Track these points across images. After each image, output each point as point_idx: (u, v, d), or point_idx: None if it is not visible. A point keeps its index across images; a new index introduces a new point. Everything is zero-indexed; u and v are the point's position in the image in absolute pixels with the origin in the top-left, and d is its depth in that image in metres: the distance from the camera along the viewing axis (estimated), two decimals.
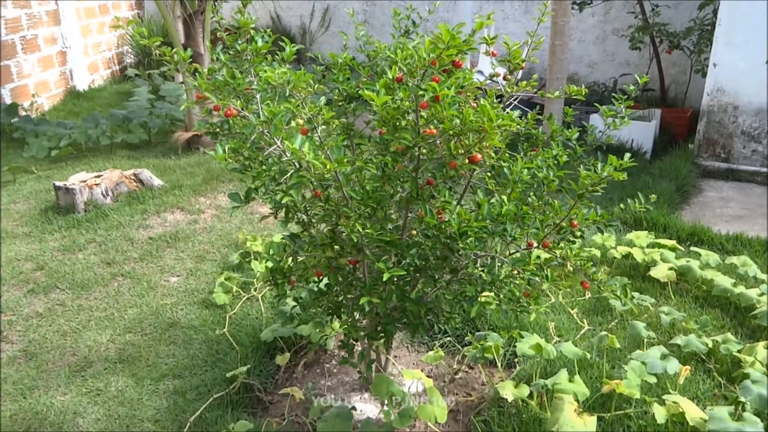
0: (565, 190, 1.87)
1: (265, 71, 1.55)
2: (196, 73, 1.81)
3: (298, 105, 1.59)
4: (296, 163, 1.59)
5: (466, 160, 1.65)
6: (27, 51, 6.12)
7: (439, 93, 1.52)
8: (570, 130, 2.07)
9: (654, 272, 3.05)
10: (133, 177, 4.34)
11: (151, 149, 5.33)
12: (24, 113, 5.90)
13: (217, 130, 1.75)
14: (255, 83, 1.78)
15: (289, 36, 7.59)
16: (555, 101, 4.47)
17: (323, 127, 1.65)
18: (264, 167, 1.73)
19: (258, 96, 1.76)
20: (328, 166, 1.50)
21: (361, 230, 1.63)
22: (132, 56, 7.92)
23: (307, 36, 7.63)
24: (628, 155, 1.68)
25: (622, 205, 1.88)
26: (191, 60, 1.96)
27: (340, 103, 2.12)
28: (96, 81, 7.27)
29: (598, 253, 3.26)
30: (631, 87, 2.00)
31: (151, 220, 3.96)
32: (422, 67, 1.54)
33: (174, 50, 1.72)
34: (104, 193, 4.12)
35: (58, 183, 4.04)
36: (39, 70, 6.31)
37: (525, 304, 1.84)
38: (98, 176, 4.18)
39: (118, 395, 2.46)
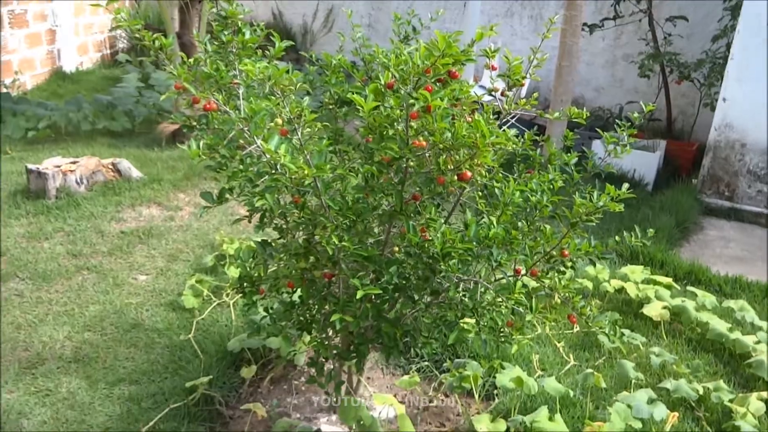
0: (559, 217, 1.85)
1: (246, 65, 1.51)
2: (183, 63, 1.76)
3: (278, 103, 1.55)
4: (273, 165, 1.55)
5: (456, 177, 1.62)
6: (14, 26, 6.05)
7: (431, 103, 1.49)
8: (569, 154, 2.06)
9: (647, 310, 3.02)
10: (111, 166, 4.27)
11: (133, 139, 5.26)
12: (4, 90, 5.83)
13: (194, 123, 1.71)
14: (239, 77, 1.74)
15: (289, 35, 7.57)
16: (557, 123, 4.46)
17: (307, 129, 1.61)
18: (241, 167, 1.68)
19: (241, 91, 1.72)
20: (306, 172, 1.46)
21: (337, 242, 1.59)
22: (125, 41, 7.88)
23: (308, 36, 7.61)
24: (626, 186, 1.65)
25: (618, 237, 1.85)
26: (181, 49, 1.91)
27: (331, 107, 2.09)
28: (84, 63, 7.20)
29: (589, 285, 3.23)
30: (636, 115, 1.97)
31: (125, 213, 3.90)
32: (416, 75, 1.51)
33: (155, 36, 1.68)
34: (78, 180, 4.04)
35: (30, 166, 3.96)
36: (25, 46, 6.24)
37: (507, 334, 1.80)
38: (74, 162, 4.11)
39: (69, 397, 2.37)
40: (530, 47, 1.94)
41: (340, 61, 2.07)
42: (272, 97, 1.61)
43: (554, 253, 1.76)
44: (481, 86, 5.45)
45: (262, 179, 1.67)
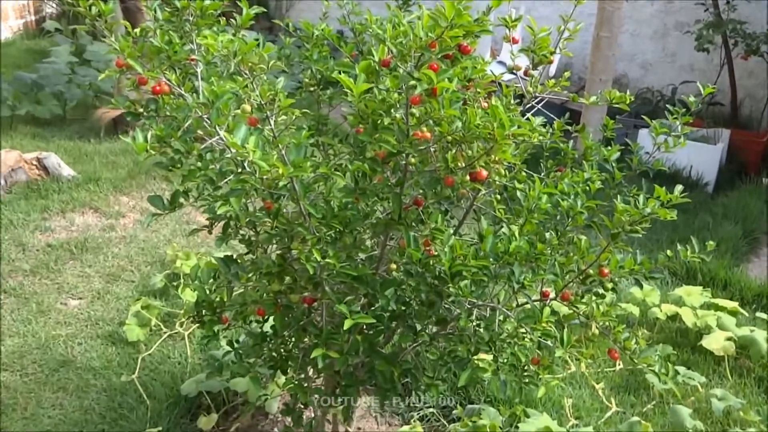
0: (596, 226, 1.85)
1: (206, 37, 1.51)
2: (126, 33, 1.77)
3: (246, 85, 1.56)
4: (240, 163, 1.55)
5: (468, 177, 1.61)
6: None
7: (437, 85, 1.48)
8: (609, 148, 2.06)
9: (707, 342, 3.02)
10: (35, 162, 4.27)
11: (64, 128, 5.27)
12: None
13: (141, 110, 1.71)
14: (197, 52, 1.75)
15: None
16: (593, 109, 4.49)
17: (281, 117, 1.62)
18: (200, 164, 1.69)
19: (200, 70, 1.73)
20: (280, 171, 1.46)
21: (319, 259, 1.58)
22: (54, 5, 7.89)
23: (284, 1, 7.65)
24: (680, 187, 1.66)
25: (670, 252, 1.85)
26: (125, 16, 1.92)
27: (312, 88, 2.09)
28: (3, 33, 7.22)
29: (635, 311, 3.24)
30: (692, 99, 1.99)
31: (54, 221, 3.90)
32: (418, 50, 1.50)
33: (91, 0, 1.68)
34: None
35: None
36: None
37: (533, 374, 1.81)
38: None
39: None
40: (560, 15, 1.95)
41: (324, 32, 2.06)
42: (238, 78, 1.60)
43: (591, 271, 1.74)
44: (500, 62, 5.47)
45: (226, 180, 1.67)
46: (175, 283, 3.26)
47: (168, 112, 1.71)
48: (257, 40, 1.65)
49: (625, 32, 6.17)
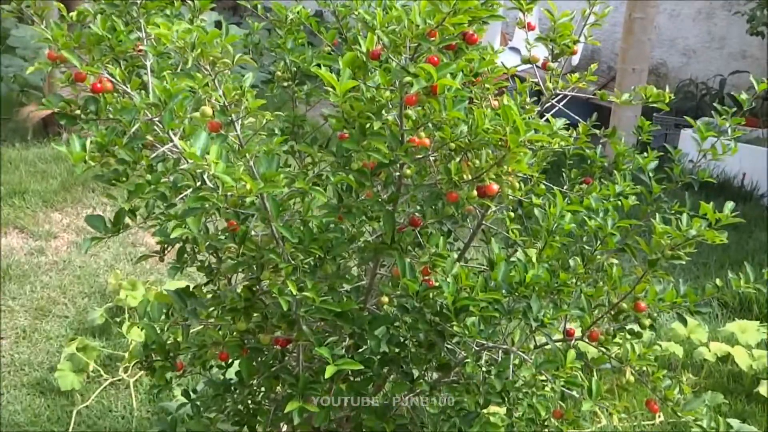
0: (631, 250, 1.84)
1: (158, 26, 1.51)
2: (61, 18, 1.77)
3: (207, 84, 1.56)
4: (198, 176, 1.55)
5: (475, 192, 1.60)
6: None
7: (437, 82, 1.48)
8: (645, 154, 2.06)
9: (766, 389, 3.03)
10: None
11: None
12: None
13: (78, 111, 1.71)
14: (147, 42, 1.75)
15: None
16: (625, 107, 4.52)
17: (249, 120, 1.62)
18: (150, 177, 1.68)
19: (149, 63, 1.73)
20: (248, 186, 1.46)
21: (295, 292, 1.57)
22: None
23: None
24: (731, 205, 1.66)
25: (719, 280, 1.85)
26: None
27: (286, 83, 2.10)
28: None
29: (678, 352, 3.24)
30: (744, 95, 2.00)
31: None
32: (414, 39, 1.50)
33: None
34: None
35: None
36: None
37: (555, 430, 1.80)
38: None
39: None
40: None
41: (300, 15, 2.06)
42: (197, 74, 1.59)
43: (624, 305, 1.75)
44: (513, 49, 5.51)
45: (182, 195, 1.66)
46: (118, 320, 3.24)
47: (111, 114, 1.70)
48: (219, 26, 1.65)
49: (663, 12, 6.22)
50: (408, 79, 1.52)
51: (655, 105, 1.94)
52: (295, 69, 2.09)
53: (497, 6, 1.66)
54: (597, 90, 2.11)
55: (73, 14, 1.82)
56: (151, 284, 3.46)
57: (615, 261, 1.84)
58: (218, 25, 5.62)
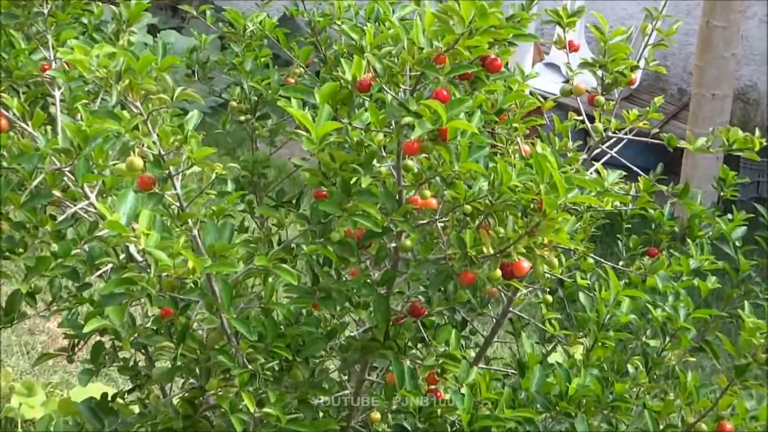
0: (711, 350, 1.80)
1: (71, 48, 1.50)
2: None
3: (137, 126, 1.54)
4: (124, 249, 1.53)
5: (499, 271, 1.58)
6: None
7: (447, 124, 1.46)
8: (730, 217, 2.00)
9: None
10: None
11: None
12: None
13: None
14: (55, 64, 1.75)
15: None
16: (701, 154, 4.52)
17: (192, 170, 1.60)
18: (57, 248, 1.66)
19: (58, 93, 1.72)
20: (190, 264, 1.43)
21: (252, 409, 1.54)
22: None
23: None
24: None
25: None
26: None
27: (243, 118, 2.07)
28: None
29: None
30: None
31: None
32: (416, 67, 1.49)
33: None
34: None
35: None
36: None
37: None
38: None
39: None
40: (643, 8, 1.96)
41: (264, 25, 2.05)
42: (123, 113, 1.56)
43: (704, 426, 1.72)
44: (550, 66, 5.51)
45: (99, 272, 1.65)
46: None
47: (5, 162, 1.69)
48: (153, 31, 1.64)
49: (751, 17, 6.14)
50: (408, 119, 1.48)
51: (742, 154, 1.91)
52: (255, 98, 2.08)
53: (526, 20, 1.65)
54: (665, 122, 2.10)
55: None
56: (54, 387, 3.37)
57: (690, 362, 1.82)
58: (152, 30, 5.60)
